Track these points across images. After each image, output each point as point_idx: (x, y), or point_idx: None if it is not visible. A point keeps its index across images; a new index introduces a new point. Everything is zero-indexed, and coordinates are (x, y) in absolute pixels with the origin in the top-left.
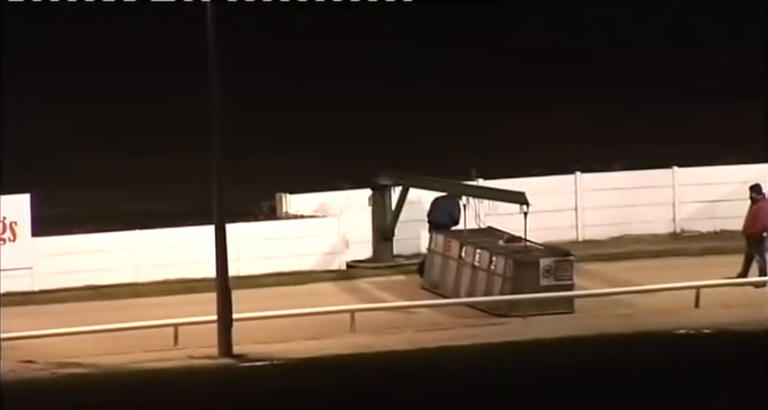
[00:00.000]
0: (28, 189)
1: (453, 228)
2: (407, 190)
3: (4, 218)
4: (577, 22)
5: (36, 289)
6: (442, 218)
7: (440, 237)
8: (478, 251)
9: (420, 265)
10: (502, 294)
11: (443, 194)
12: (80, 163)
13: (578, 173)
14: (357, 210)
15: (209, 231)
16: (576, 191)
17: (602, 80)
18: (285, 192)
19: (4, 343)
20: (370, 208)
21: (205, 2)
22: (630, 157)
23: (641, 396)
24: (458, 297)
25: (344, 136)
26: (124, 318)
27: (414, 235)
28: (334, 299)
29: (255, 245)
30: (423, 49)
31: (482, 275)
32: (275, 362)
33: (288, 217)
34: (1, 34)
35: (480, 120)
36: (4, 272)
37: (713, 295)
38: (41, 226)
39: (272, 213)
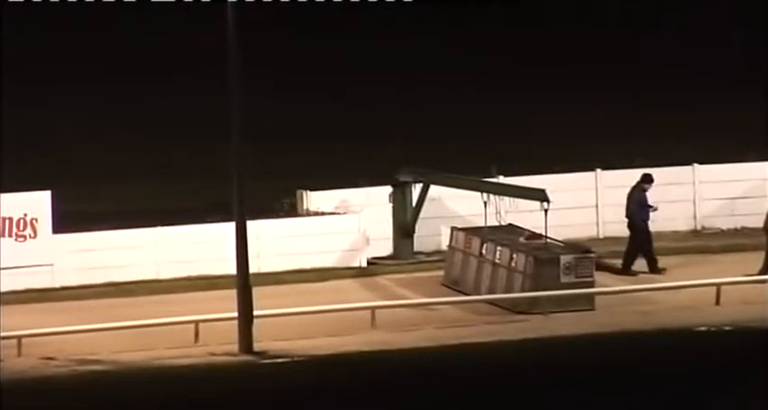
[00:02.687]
0: (49, 185)
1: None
2: (428, 187)
3: (25, 214)
4: (598, 18)
5: (57, 285)
6: (639, 209)
7: (460, 234)
8: (499, 248)
9: None
10: (522, 291)
11: (633, 186)
12: (101, 159)
13: (599, 170)
14: (378, 207)
15: (229, 228)
16: (596, 188)
17: (623, 77)
18: (306, 189)
19: (24, 340)
20: (391, 205)
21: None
22: (651, 154)
23: (661, 393)
24: (478, 294)
25: (365, 133)
26: (145, 315)
27: (435, 232)
28: (355, 296)
29: (276, 242)
30: (441, 45)
31: (503, 272)
32: (296, 359)
33: (308, 214)
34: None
35: (501, 117)
36: (26, 269)
37: (734, 292)
38: (62, 222)
39: (293, 210)
